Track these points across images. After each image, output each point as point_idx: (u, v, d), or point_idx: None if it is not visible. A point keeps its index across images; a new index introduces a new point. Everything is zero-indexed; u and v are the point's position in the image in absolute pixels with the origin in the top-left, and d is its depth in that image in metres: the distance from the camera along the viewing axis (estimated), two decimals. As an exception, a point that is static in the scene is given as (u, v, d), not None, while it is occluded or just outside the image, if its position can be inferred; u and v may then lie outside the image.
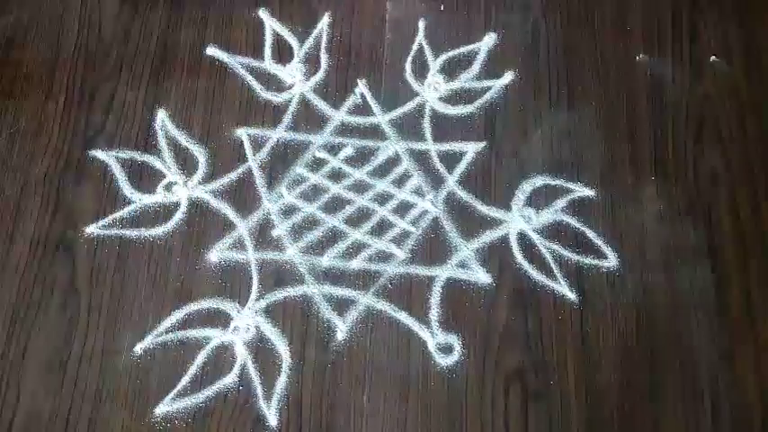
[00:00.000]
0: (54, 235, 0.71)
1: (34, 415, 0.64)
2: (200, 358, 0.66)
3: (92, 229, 0.71)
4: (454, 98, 0.77)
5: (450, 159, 0.74)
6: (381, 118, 0.76)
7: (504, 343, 0.66)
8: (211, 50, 0.80)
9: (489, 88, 0.77)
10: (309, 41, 0.81)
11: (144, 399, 0.65)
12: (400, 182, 0.73)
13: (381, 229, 0.71)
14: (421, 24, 0.81)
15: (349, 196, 0.73)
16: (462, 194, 0.72)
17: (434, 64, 0.79)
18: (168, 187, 0.73)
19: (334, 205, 0.72)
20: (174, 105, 0.77)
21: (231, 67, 0.79)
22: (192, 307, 0.68)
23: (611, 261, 0.69)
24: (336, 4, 0.82)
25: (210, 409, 0.64)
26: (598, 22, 0.80)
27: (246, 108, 0.77)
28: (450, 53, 0.79)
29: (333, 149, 0.75)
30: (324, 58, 0.80)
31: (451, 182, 0.73)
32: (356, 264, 0.70)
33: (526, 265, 0.69)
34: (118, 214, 0.72)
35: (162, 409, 0.64)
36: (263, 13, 0.82)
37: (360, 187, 0.73)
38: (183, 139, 0.75)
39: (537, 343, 0.66)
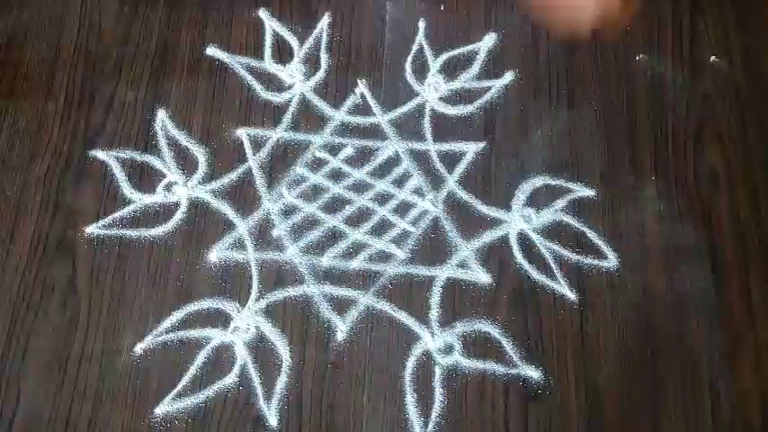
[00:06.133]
0: (54, 235, 0.71)
1: (34, 415, 0.64)
2: (201, 358, 0.66)
3: (92, 229, 0.71)
4: (454, 98, 0.77)
5: (451, 159, 0.74)
6: (381, 118, 0.76)
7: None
8: (211, 50, 0.80)
9: (489, 88, 0.77)
10: (309, 41, 0.81)
11: (144, 399, 0.65)
12: (400, 182, 0.73)
13: (381, 229, 0.71)
14: (421, 24, 0.81)
15: (349, 196, 0.73)
16: (462, 194, 0.72)
17: (434, 64, 0.79)
18: (168, 187, 0.73)
19: (334, 205, 0.72)
20: (174, 105, 0.77)
21: (231, 67, 0.79)
22: (192, 307, 0.68)
23: (611, 261, 0.69)
24: (336, 4, 0.82)
25: (210, 410, 0.64)
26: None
27: (246, 108, 0.77)
28: (451, 53, 0.79)
29: (333, 149, 0.75)
30: (324, 58, 0.80)
31: (451, 182, 0.73)
32: (356, 264, 0.70)
33: (526, 265, 0.69)
34: (118, 214, 0.72)
35: (162, 409, 0.64)
36: (263, 13, 0.82)
37: (360, 187, 0.73)
38: (183, 139, 0.76)
39: (537, 343, 0.66)
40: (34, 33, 0.81)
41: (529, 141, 0.75)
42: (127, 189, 0.73)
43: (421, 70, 0.79)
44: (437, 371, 0.65)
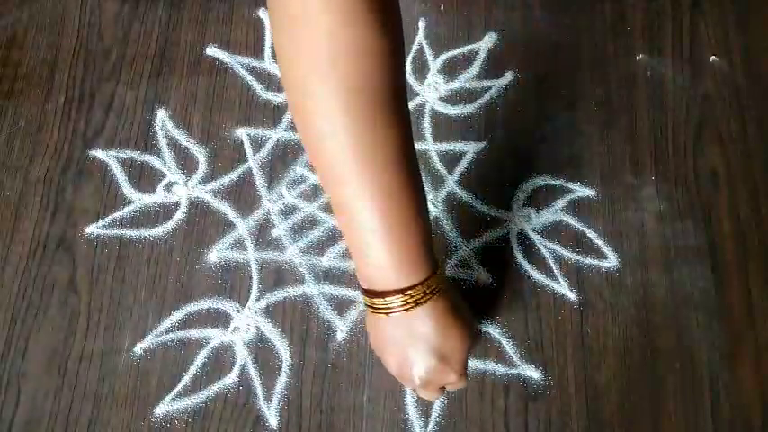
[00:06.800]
0: (54, 235, 0.71)
1: (34, 415, 0.64)
2: (200, 358, 0.66)
3: (92, 229, 0.72)
4: (454, 98, 0.77)
5: (451, 159, 0.74)
6: (381, 118, 0.76)
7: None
8: (211, 50, 0.80)
9: (489, 88, 0.77)
10: (309, 41, 0.81)
11: (144, 399, 0.65)
12: (400, 182, 0.73)
13: (381, 229, 0.71)
14: (421, 24, 0.81)
15: (349, 196, 0.73)
16: (462, 194, 0.73)
17: (434, 64, 0.79)
18: (168, 187, 0.74)
19: (334, 205, 0.72)
20: (174, 105, 0.77)
21: (231, 67, 0.79)
22: (192, 307, 0.68)
23: (611, 261, 0.69)
24: (336, 4, 0.82)
25: (210, 410, 0.64)
26: (598, 22, 0.80)
27: (246, 108, 0.77)
28: (450, 53, 0.79)
29: (333, 149, 0.75)
30: (324, 58, 0.80)
31: (451, 182, 0.73)
32: (356, 264, 0.70)
33: (526, 265, 0.69)
34: (118, 214, 0.72)
35: (162, 409, 0.64)
36: (263, 13, 0.82)
37: (360, 187, 0.73)
38: (183, 139, 0.76)
39: (537, 343, 0.66)
40: (34, 33, 0.82)
41: (529, 141, 0.75)
42: (127, 189, 0.73)
43: (421, 70, 0.79)
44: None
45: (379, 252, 0.44)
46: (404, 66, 0.45)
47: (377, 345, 0.50)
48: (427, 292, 0.46)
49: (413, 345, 0.47)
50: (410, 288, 0.45)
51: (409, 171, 0.44)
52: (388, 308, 0.46)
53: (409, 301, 0.45)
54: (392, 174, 0.43)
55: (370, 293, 0.47)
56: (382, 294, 0.46)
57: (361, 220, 0.44)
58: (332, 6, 0.39)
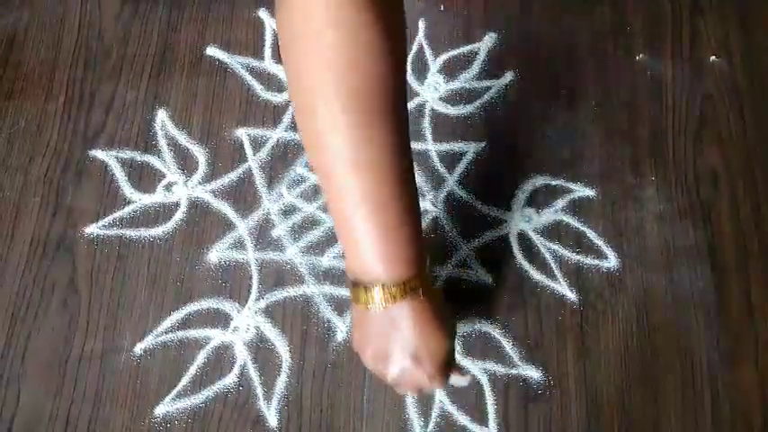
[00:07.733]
0: (54, 235, 0.71)
1: (34, 415, 0.64)
2: (200, 358, 0.66)
3: (92, 229, 0.72)
4: (454, 98, 0.77)
5: (451, 159, 0.74)
6: (381, 118, 0.76)
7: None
8: (211, 50, 0.80)
9: (489, 88, 0.77)
10: (309, 41, 0.81)
11: (144, 399, 0.65)
12: (400, 182, 0.73)
13: (381, 229, 0.71)
14: (421, 24, 0.81)
15: (349, 196, 0.73)
16: (462, 194, 0.73)
17: (434, 64, 0.79)
18: (168, 187, 0.74)
19: (334, 205, 0.72)
20: (174, 105, 0.77)
21: (231, 67, 0.79)
22: (192, 307, 0.68)
23: (611, 261, 0.69)
24: (336, 4, 0.82)
25: (210, 410, 0.64)
26: (598, 22, 0.80)
27: (246, 108, 0.77)
28: (451, 53, 0.79)
29: (333, 149, 0.75)
30: (324, 58, 0.80)
31: (451, 182, 0.73)
32: (356, 264, 0.70)
33: (526, 265, 0.69)
34: (118, 214, 0.72)
35: (162, 409, 0.64)
36: (263, 13, 0.82)
37: (360, 187, 0.73)
38: (183, 139, 0.76)
39: (537, 343, 0.66)
40: (34, 33, 0.81)
41: (529, 141, 0.75)
42: (127, 189, 0.73)
43: (421, 70, 0.79)
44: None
45: (367, 244, 0.45)
46: (405, 67, 0.46)
47: (357, 338, 0.50)
48: (409, 289, 0.46)
49: (391, 341, 0.48)
50: (393, 284, 0.46)
51: (404, 170, 0.45)
52: (370, 300, 0.47)
53: (390, 295, 0.46)
54: (387, 170, 0.44)
55: (355, 285, 0.48)
56: (366, 287, 0.47)
57: (354, 212, 0.45)
58: (337, 20, 0.40)
